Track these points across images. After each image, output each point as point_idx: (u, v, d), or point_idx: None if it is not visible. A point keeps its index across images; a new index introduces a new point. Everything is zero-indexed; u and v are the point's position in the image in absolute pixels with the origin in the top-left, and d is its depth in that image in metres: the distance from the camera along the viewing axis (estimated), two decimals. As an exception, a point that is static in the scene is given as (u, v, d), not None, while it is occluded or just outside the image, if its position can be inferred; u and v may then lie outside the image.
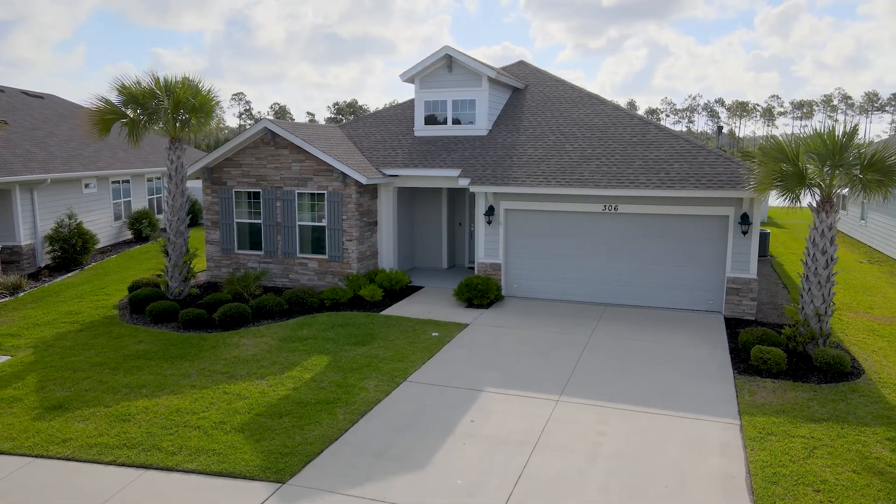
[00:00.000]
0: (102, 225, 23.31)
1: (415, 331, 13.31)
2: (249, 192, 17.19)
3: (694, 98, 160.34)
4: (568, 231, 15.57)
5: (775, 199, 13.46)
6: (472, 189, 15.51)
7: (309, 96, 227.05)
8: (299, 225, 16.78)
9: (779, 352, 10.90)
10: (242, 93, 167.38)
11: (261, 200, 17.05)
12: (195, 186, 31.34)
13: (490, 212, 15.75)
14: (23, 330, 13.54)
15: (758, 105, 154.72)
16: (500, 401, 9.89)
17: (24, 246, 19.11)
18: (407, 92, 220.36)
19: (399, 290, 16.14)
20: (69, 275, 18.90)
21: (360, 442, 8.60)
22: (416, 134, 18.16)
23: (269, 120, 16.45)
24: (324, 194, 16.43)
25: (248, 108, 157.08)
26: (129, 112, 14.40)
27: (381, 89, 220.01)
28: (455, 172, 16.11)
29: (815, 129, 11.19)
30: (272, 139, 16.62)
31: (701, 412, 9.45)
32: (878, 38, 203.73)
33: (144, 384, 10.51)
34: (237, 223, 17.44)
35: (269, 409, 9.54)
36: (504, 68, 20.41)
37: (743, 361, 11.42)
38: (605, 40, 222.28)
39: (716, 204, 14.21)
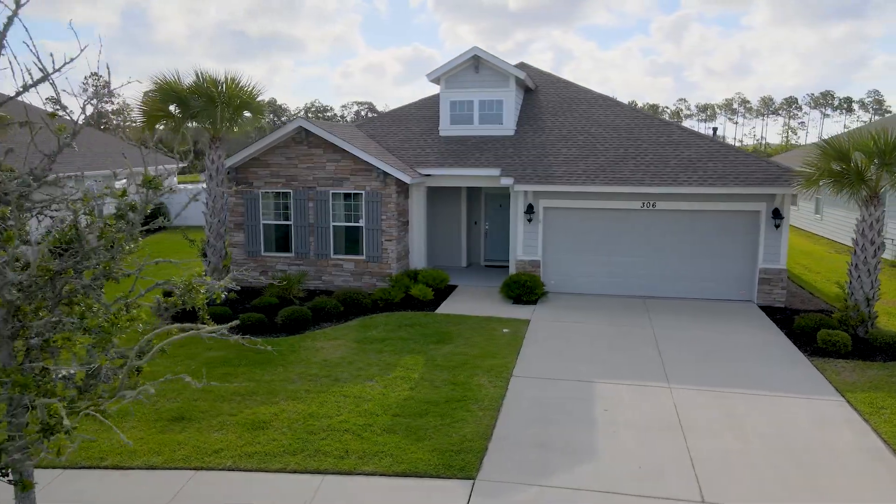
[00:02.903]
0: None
1: (483, 328, 13.47)
2: (278, 193, 16.73)
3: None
4: (607, 227, 16.17)
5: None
6: (516, 188, 15.82)
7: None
8: (333, 226, 16.51)
9: (844, 335, 11.89)
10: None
11: (291, 201, 16.64)
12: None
13: (529, 210, 16.11)
14: (69, 341, 12.65)
15: (667, 108, 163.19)
16: (617, 390, 10.27)
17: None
18: (326, 92, 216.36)
19: (444, 289, 16.23)
20: (69, 283, 17.69)
21: (515, 436, 8.75)
22: (442, 133, 18.24)
23: (303, 119, 16.10)
24: (361, 194, 16.25)
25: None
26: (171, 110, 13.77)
27: (290, 89, 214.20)
28: (495, 171, 16.36)
29: (871, 132, 12.25)
30: (305, 138, 16.27)
31: (803, 392, 10.20)
32: (758, 46, 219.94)
33: (253, 391, 10.17)
34: (263, 224, 16.94)
35: (403, 409, 9.49)
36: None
37: (807, 345, 12.34)
38: (513, 43, 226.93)
39: (748, 200, 15.19)
